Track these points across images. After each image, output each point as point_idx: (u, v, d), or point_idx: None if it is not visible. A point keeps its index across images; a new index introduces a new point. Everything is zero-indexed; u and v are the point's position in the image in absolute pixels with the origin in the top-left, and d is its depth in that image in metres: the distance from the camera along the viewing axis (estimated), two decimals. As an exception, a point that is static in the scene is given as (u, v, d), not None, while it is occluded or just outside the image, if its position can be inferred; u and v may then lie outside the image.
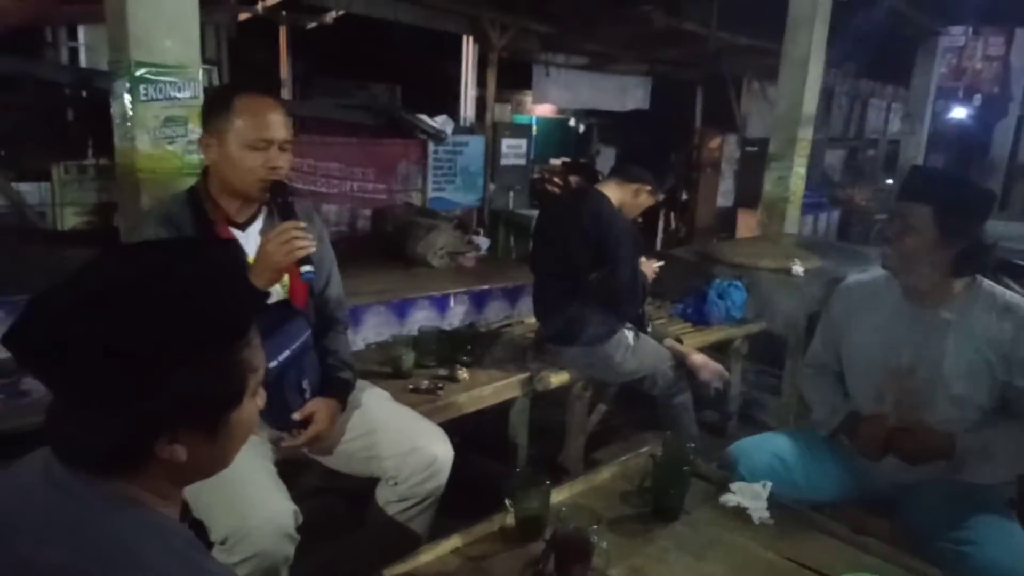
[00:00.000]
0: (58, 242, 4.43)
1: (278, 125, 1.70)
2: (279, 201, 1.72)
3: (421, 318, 4.10)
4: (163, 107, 2.27)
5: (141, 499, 0.80)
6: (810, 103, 4.73)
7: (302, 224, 1.66)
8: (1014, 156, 9.89)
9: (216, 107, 1.70)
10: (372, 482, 1.94)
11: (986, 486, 1.77)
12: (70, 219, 4.78)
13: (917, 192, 1.79)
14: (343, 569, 2.03)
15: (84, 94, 4.87)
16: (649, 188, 2.64)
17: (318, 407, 1.80)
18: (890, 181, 9.59)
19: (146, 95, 2.23)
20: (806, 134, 4.77)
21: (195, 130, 2.35)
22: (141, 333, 0.73)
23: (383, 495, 1.90)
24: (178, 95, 2.30)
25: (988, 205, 1.79)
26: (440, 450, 1.89)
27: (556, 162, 9.49)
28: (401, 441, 1.86)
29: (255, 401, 0.87)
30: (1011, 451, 1.72)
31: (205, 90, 2.44)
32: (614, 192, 2.63)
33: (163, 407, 0.77)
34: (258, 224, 1.80)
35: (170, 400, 0.76)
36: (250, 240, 1.74)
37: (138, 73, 2.23)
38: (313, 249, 1.67)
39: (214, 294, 0.78)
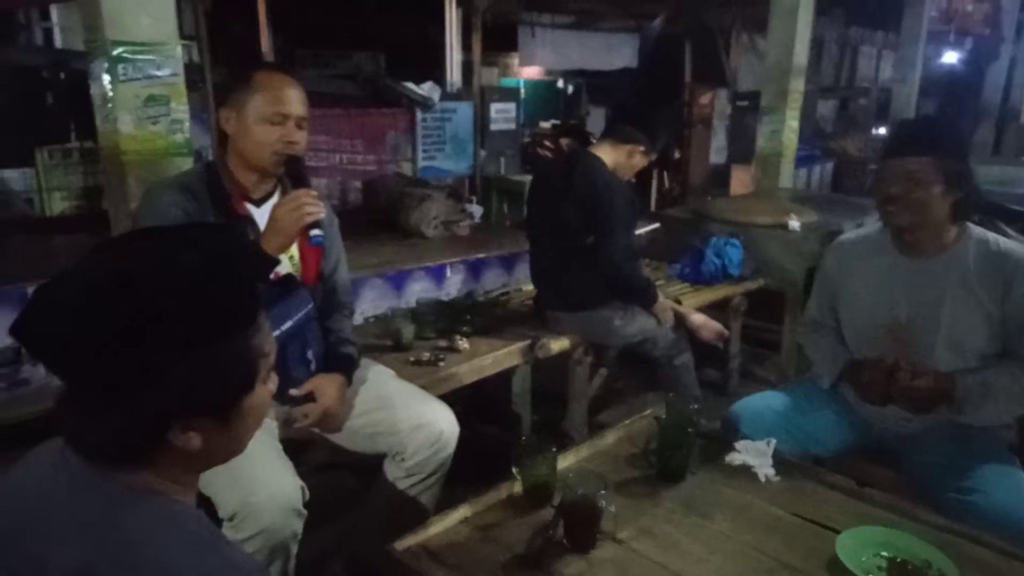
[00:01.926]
0: (47, 228, 4.38)
1: (295, 101, 1.74)
2: (292, 171, 1.76)
3: (418, 289, 4.08)
4: (143, 86, 2.22)
5: (159, 488, 0.80)
6: (801, 53, 4.65)
7: (313, 192, 1.70)
8: (1006, 99, 9.81)
9: (236, 83, 1.74)
10: (379, 457, 1.95)
11: (987, 432, 1.78)
12: (58, 204, 4.72)
13: (915, 144, 1.77)
14: (352, 544, 2.05)
15: (62, 76, 4.78)
16: (643, 149, 2.61)
17: (322, 383, 1.81)
18: (883, 130, 9.52)
19: (125, 75, 2.17)
20: (798, 85, 4.70)
21: (178, 109, 2.32)
22: (152, 323, 0.73)
23: (391, 471, 1.92)
24: (158, 73, 2.24)
25: (971, 149, 1.80)
26: (446, 425, 1.91)
27: (546, 125, 9.37)
28: (407, 417, 1.88)
29: (267, 386, 0.87)
30: (1011, 391, 1.73)
31: (186, 67, 2.39)
32: (608, 154, 2.60)
33: (176, 396, 0.76)
34: (273, 201, 1.81)
35: (183, 389, 0.76)
36: (264, 217, 1.75)
37: (115, 52, 2.17)
38: (323, 215, 1.71)
39: (223, 281, 0.78)
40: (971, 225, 1.83)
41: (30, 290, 2.47)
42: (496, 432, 2.72)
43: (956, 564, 1.31)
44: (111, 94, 2.20)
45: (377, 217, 5.03)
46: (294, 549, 1.59)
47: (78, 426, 0.78)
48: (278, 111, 1.71)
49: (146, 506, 0.78)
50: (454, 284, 4.30)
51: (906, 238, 1.85)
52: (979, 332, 1.76)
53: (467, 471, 2.05)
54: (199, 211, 1.70)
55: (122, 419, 0.76)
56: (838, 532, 1.42)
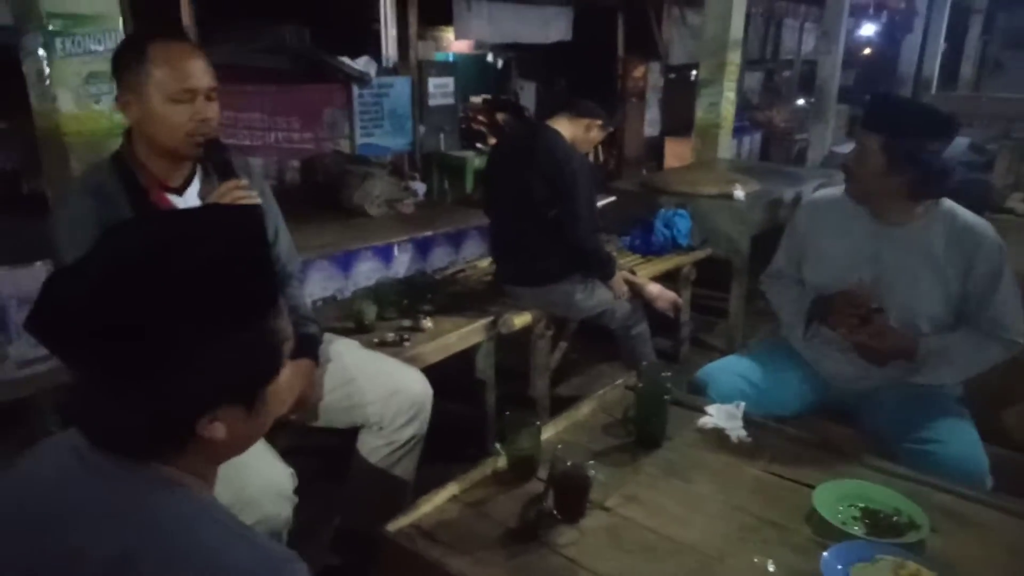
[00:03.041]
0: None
1: (201, 72, 1.55)
2: (216, 160, 1.61)
3: (366, 270, 4.01)
4: (84, 62, 2.08)
5: (184, 482, 0.78)
6: (738, 26, 4.75)
7: (243, 182, 1.59)
8: (919, 71, 10.26)
9: (128, 60, 1.53)
10: (346, 438, 1.94)
11: (938, 387, 1.88)
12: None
13: (870, 121, 1.84)
14: (336, 520, 2.04)
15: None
16: (600, 123, 2.63)
17: (292, 371, 1.75)
18: (801, 101, 9.83)
19: (63, 50, 2.04)
20: (735, 58, 4.81)
21: (122, 86, 2.19)
22: (182, 311, 0.70)
23: (367, 442, 1.91)
24: (99, 48, 2.10)
25: (945, 131, 1.82)
26: (420, 388, 1.93)
27: (477, 100, 9.28)
28: (382, 385, 1.88)
29: (287, 372, 0.85)
30: (968, 357, 1.83)
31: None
32: (566, 128, 2.61)
33: (209, 386, 0.74)
34: (195, 187, 1.69)
35: (216, 378, 0.74)
36: (189, 205, 1.64)
37: (51, 27, 2.03)
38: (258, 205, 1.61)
39: (248, 264, 0.75)
40: (943, 199, 1.88)
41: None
42: (462, 409, 2.72)
43: (923, 510, 1.40)
44: (48, 71, 2.06)
45: (317, 196, 4.91)
46: (285, 535, 1.57)
47: (101, 419, 0.75)
48: (184, 87, 1.52)
49: (178, 498, 0.76)
50: (402, 263, 4.25)
51: (870, 206, 1.91)
52: (936, 302, 1.85)
53: (439, 448, 2.06)
54: (115, 214, 1.53)
55: (152, 413, 0.74)
56: (812, 487, 1.48)
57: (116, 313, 0.69)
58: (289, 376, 0.87)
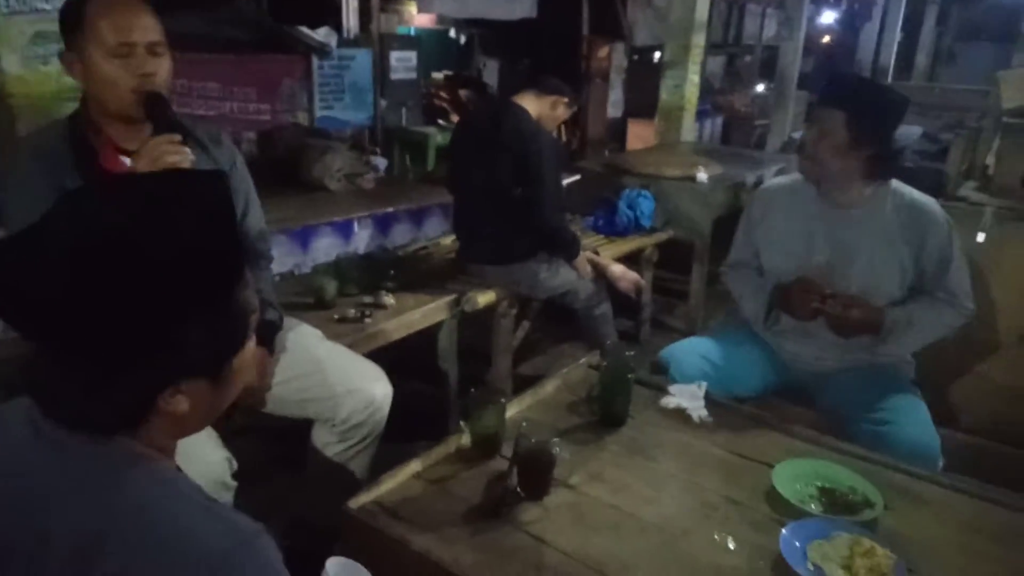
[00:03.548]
0: None
1: (141, 25, 1.49)
2: (157, 115, 1.51)
3: (325, 245, 3.94)
4: (30, 21, 1.97)
5: (146, 455, 0.75)
6: (702, 9, 4.77)
7: (176, 137, 1.48)
8: (876, 60, 10.46)
9: (70, 18, 1.48)
10: (304, 422, 1.88)
11: (893, 368, 1.94)
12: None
13: (832, 98, 1.85)
14: (290, 508, 2.00)
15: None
16: (566, 100, 2.62)
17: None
18: (761, 87, 9.94)
19: (8, 8, 1.93)
20: (699, 40, 4.83)
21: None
22: (156, 285, 0.67)
23: (321, 436, 1.85)
24: (46, 7, 1.99)
25: (900, 111, 1.87)
26: (379, 389, 1.85)
27: (439, 75, 9.16)
28: (338, 382, 1.80)
29: (251, 344, 0.82)
30: (929, 320, 1.88)
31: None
32: (532, 105, 2.59)
33: (176, 359, 0.72)
34: None
35: (183, 351, 0.72)
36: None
37: (-7, -18, 1.94)
38: (187, 163, 1.49)
39: (215, 234, 0.72)
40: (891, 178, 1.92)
41: None
42: (423, 388, 2.71)
43: (878, 489, 1.43)
44: (-9, 30, 1.97)
45: (275, 170, 4.80)
46: None
47: (61, 394, 0.72)
48: (122, 41, 1.45)
49: (142, 472, 0.74)
50: (362, 239, 4.19)
51: (822, 188, 1.94)
52: (893, 280, 1.89)
53: (401, 427, 2.04)
54: (60, 176, 1.46)
55: (117, 386, 0.71)
56: (771, 466, 1.51)
57: (81, 292, 0.66)
58: (252, 350, 0.84)
